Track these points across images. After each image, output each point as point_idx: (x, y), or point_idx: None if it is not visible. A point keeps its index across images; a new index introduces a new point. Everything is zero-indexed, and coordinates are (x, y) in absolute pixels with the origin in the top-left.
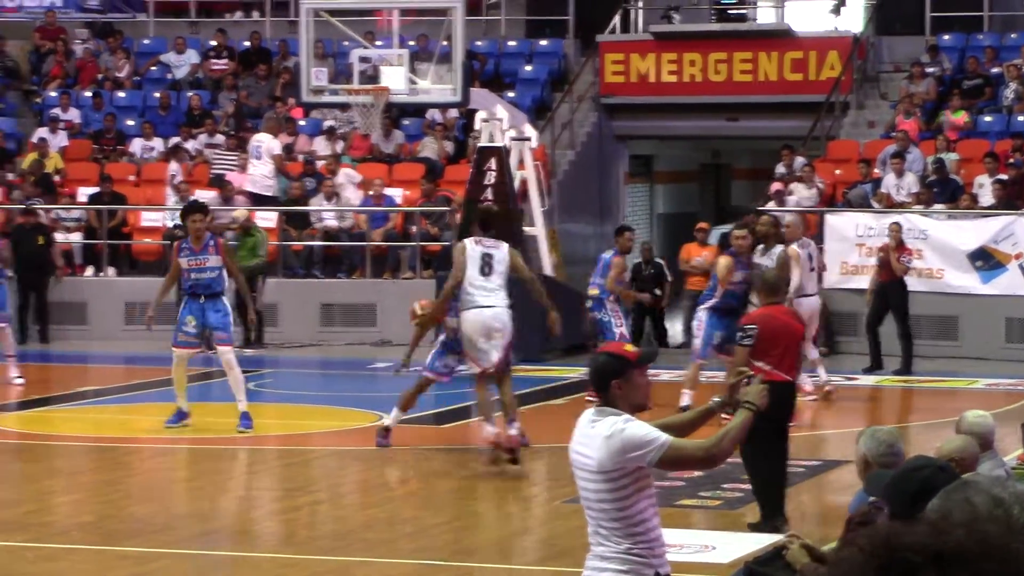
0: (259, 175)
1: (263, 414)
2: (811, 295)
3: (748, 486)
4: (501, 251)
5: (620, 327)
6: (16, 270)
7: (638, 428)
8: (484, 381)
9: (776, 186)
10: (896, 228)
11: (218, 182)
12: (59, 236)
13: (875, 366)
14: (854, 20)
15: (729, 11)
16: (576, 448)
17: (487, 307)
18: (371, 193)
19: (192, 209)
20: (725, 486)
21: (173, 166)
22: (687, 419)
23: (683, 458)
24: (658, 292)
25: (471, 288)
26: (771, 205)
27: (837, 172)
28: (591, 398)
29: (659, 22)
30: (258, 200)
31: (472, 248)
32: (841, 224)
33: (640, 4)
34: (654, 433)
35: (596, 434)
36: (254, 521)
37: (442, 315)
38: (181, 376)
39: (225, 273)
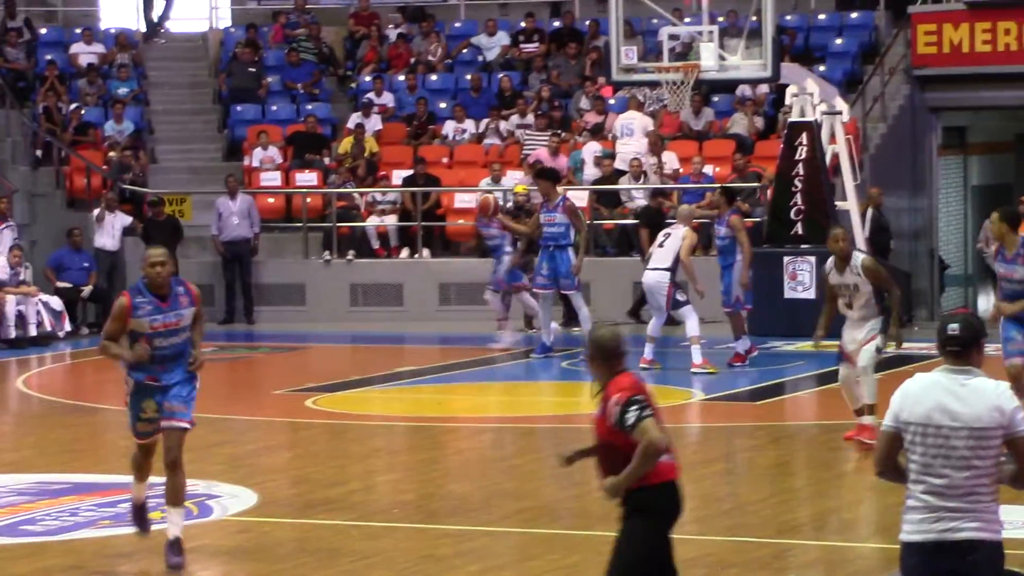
0: (629, 151)
1: (576, 393)
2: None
3: None
4: None
5: None
6: None
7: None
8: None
9: None
10: None
11: (529, 162)
12: (375, 219)
13: None
14: None
15: None
16: (947, 407)
17: None
18: (691, 172)
19: (541, 175)
20: None
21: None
22: None
23: None
24: None
25: None
26: None
27: None
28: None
29: None
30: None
31: None
32: None
33: None
34: None
35: (976, 389)
36: (571, 499)
37: None
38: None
39: (572, 230)
